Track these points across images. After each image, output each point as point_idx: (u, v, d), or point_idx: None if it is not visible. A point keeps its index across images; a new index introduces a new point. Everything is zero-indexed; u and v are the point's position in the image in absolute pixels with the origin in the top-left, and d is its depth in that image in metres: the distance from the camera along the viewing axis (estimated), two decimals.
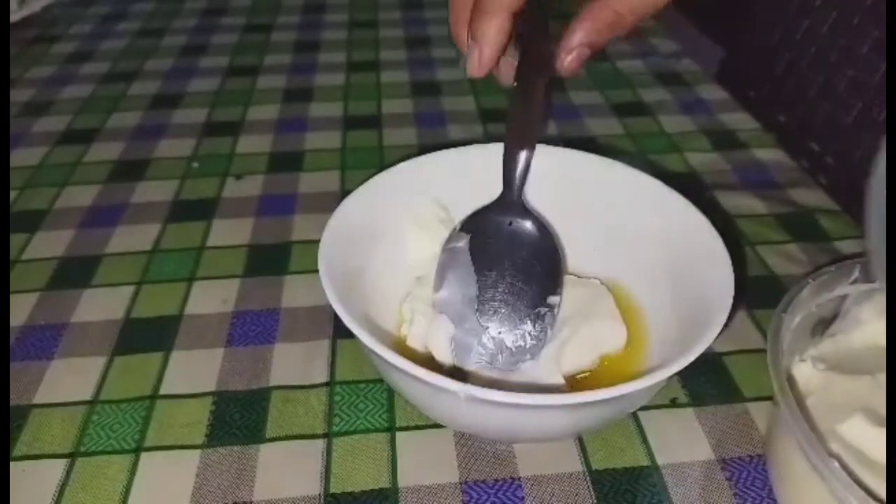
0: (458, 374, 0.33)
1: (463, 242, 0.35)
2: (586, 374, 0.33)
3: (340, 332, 0.38)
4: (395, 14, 0.80)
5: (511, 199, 0.35)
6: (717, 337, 0.28)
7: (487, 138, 0.56)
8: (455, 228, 0.36)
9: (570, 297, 0.35)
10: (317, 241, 0.32)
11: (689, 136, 0.56)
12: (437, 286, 0.35)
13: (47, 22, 0.79)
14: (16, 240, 0.46)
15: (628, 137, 0.57)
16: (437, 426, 0.33)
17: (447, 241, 0.35)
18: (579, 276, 0.37)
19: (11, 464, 0.32)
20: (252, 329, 0.39)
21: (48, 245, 0.45)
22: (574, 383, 0.33)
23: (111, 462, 0.32)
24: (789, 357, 0.29)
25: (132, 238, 0.46)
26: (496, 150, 0.36)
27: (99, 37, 0.76)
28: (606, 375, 0.33)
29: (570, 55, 0.32)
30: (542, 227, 0.35)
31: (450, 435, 0.33)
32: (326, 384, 0.36)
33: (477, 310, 0.34)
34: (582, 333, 0.34)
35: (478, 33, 0.32)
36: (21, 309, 0.40)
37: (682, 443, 0.33)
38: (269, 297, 0.41)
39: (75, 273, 0.43)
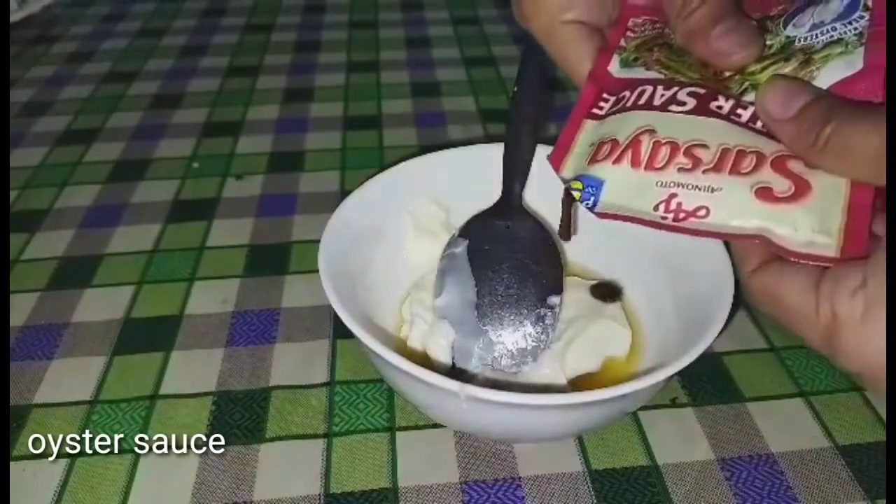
0: (458, 374, 0.33)
1: (461, 248, 0.35)
2: (588, 376, 0.33)
3: (340, 332, 0.38)
4: (395, 14, 0.80)
5: (509, 202, 0.35)
6: (717, 337, 0.28)
7: (487, 138, 0.56)
8: (454, 235, 0.36)
9: (575, 300, 0.35)
10: (317, 241, 0.32)
11: None
12: (437, 292, 0.34)
13: (47, 22, 0.79)
14: (16, 240, 0.46)
15: None
16: (437, 426, 0.33)
17: (446, 248, 0.35)
18: (585, 279, 0.37)
19: (11, 464, 0.32)
20: (252, 329, 0.39)
21: (48, 245, 0.45)
22: (576, 385, 0.33)
23: (111, 462, 0.32)
24: None
25: (132, 238, 0.46)
26: (496, 150, 0.36)
27: (99, 37, 0.76)
28: (607, 375, 0.33)
29: None
30: (541, 227, 0.35)
31: (450, 435, 0.33)
32: (326, 384, 0.36)
33: (476, 313, 0.34)
34: (586, 336, 0.33)
35: None
36: (21, 309, 0.40)
37: (682, 443, 0.33)
38: (269, 297, 0.41)
39: (75, 273, 0.43)
